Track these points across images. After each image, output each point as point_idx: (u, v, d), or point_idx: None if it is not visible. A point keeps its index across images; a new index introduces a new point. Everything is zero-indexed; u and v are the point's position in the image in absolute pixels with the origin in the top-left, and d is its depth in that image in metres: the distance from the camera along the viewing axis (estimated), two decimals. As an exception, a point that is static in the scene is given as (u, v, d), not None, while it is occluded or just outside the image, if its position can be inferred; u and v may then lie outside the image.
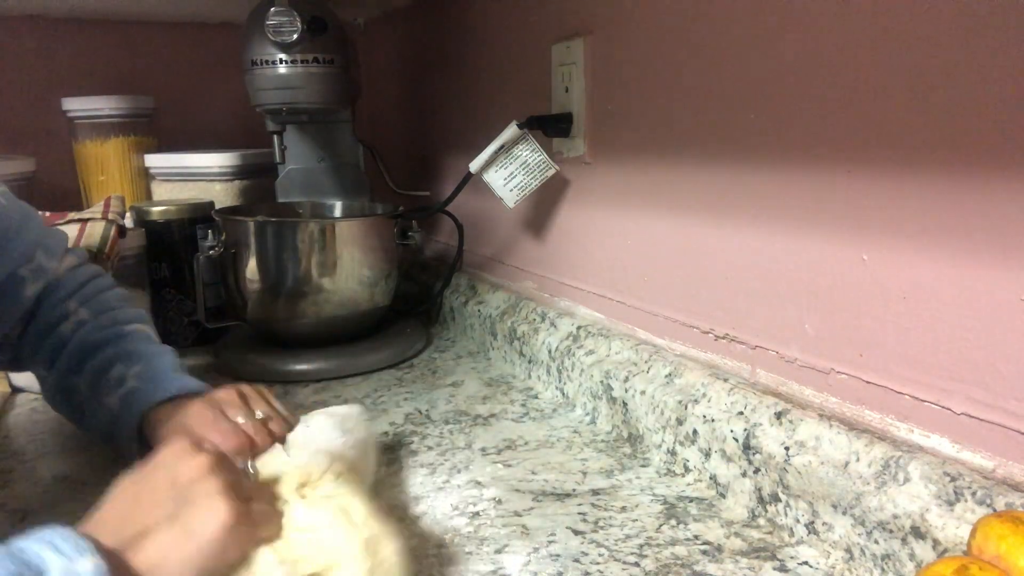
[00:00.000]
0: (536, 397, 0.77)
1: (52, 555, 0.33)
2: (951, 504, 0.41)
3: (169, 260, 0.93)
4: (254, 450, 0.51)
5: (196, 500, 0.38)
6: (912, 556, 0.42)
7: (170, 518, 0.37)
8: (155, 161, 1.12)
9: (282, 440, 0.54)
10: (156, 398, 0.56)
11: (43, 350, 0.60)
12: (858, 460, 0.46)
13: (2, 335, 0.59)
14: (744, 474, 0.53)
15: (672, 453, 0.60)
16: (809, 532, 0.49)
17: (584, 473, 0.60)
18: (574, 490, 0.58)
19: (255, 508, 0.40)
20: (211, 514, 0.37)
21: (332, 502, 0.42)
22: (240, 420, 0.53)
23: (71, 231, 0.79)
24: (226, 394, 0.56)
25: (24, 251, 0.58)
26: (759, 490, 0.52)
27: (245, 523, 0.38)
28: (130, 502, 0.39)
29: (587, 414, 0.71)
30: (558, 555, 0.49)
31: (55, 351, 0.59)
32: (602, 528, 0.52)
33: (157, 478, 0.40)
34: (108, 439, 0.58)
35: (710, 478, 0.56)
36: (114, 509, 0.39)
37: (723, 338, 0.61)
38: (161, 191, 1.13)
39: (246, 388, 0.58)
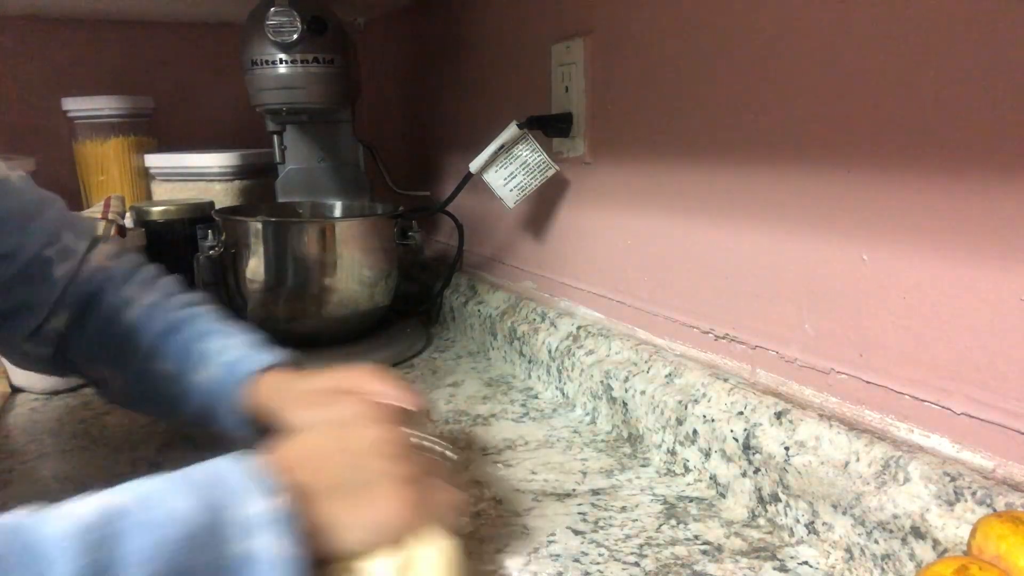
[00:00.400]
0: (536, 397, 0.77)
1: (238, 493, 0.36)
2: (951, 504, 0.41)
3: (169, 260, 0.92)
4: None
5: (381, 482, 0.41)
6: (912, 556, 0.42)
7: (355, 487, 0.40)
8: (155, 161, 1.12)
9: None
10: (263, 363, 0.55)
11: (109, 345, 0.58)
12: (858, 460, 0.46)
13: (40, 322, 0.57)
14: (744, 474, 0.53)
15: (672, 453, 0.60)
16: (809, 532, 0.49)
17: (584, 473, 0.60)
18: (574, 490, 0.58)
19: (431, 499, 0.42)
20: (389, 502, 0.40)
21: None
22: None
23: (71, 231, 0.79)
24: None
25: (47, 232, 0.57)
26: (759, 490, 0.52)
27: (415, 515, 0.41)
28: (323, 456, 0.42)
29: (587, 414, 0.71)
30: (558, 555, 0.49)
31: (126, 340, 0.57)
32: (602, 528, 0.52)
33: (352, 444, 0.43)
34: (203, 416, 0.56)
35: (710, 478, 0.56)
36: (307, 455, 0.42)
37: (723, 338, 0.61)
38: (161, 191, 1.13)
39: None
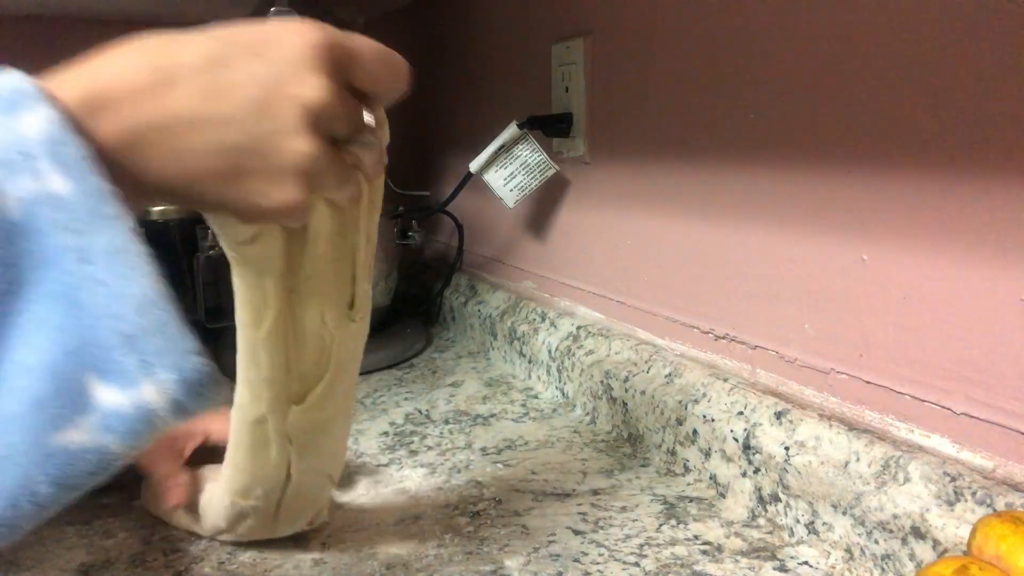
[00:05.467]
0: (536, 397, 0.77)
1: None
2: (951, 504, 0.41)
3: (169, 260, 0.93)
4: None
5: (279, 144, 0.26)
6: (912, 556, 0.42)
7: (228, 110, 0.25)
8: (155, 161, 1.12)
9: None
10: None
11: None
12: (858, 460, 0.46)
13: None
14: (744, 474, 0.53)
15: (672, 453, 0.60)
16: (809, 532, 0.49)
17: (584, 473, 0.60)
18: (574, 490, 0.57)
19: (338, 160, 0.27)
20: (271, 182, 0.25)
21: None
22: None
23: (71, 231, 0.79)
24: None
25: None
26: (759, 490, 0.52)
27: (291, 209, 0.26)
28: (195, 71, 0.26)
29: (587, 414, 0.71)
30: (558, 555, 0.49)
31: None
32: (602, 528, 0.52)
33: (261, 57, 0.27)
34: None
35: (710, 478, 0.56)
36: (165, 72, 0.26)
37: (723, 338, 0.61)
38: (161, 191, 1.13)
39: None
